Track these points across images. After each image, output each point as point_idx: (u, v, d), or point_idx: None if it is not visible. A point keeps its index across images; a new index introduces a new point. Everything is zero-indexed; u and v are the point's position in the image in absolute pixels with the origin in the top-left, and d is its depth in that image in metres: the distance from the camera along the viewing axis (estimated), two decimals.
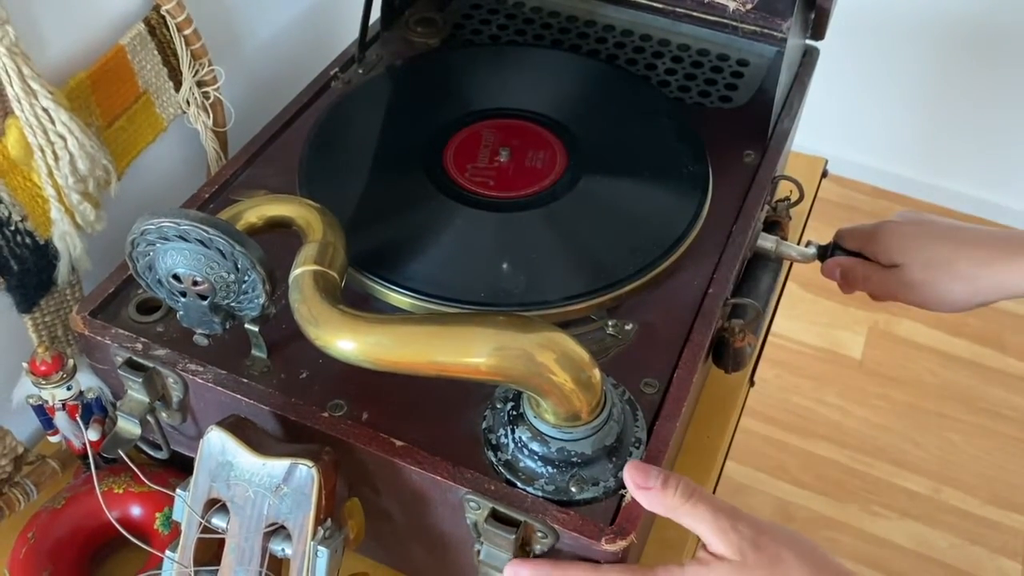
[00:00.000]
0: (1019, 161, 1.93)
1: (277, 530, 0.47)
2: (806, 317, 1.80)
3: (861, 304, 1.81)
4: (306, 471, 0.46)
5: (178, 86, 0.71)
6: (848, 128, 2.01)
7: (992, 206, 1.99)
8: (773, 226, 0.74)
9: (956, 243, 0.67)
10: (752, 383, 0.84)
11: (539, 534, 0.48)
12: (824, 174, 0.96)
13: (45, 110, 0.57)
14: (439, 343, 0.46)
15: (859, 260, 0.71)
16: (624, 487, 0.48)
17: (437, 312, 0.57)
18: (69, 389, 0.59)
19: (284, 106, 0.72)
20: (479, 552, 0.49)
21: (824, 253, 0.72)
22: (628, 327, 0.58)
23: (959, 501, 1.54)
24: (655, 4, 0.82)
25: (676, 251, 0.61)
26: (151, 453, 0.60)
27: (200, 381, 0.54)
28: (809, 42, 0.80)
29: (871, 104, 1.97)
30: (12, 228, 0.60)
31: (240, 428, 0.49)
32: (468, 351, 0.46)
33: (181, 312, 0.51)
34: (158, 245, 0.48)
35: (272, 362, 0.55)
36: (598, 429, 0.49)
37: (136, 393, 0.55)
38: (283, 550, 0.47)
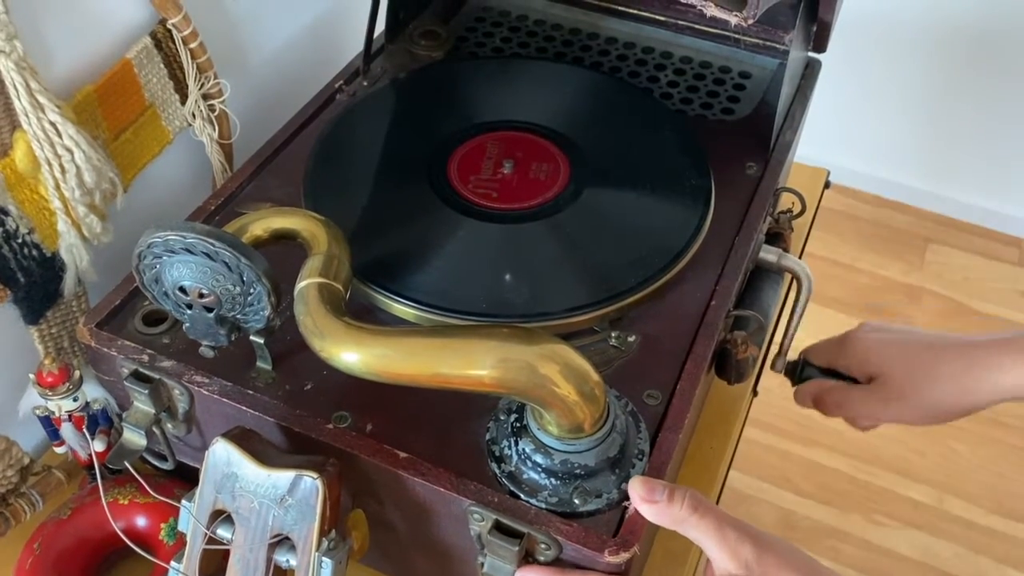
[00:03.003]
0: (1021, 170, 1.93)
1: (282, 541, 0.47)
2: (809, 327, 1.78)
3: (865, 314, 1.81)
4: (311, 482, 0.46)
5: (184, 99, 0.71)
6: (850, 138, 2.01)
7: (995, 215, 2.00)
8: (775, 238, 0.74)
9: (939, 347, 0.63)
10: (755, 393, 0.84)
11: (542, 546, 0.48)
12: (827, 185, 0.96)
13: (52, 124, 0.57)
14: (443, 355, 0.46)
15: (833, 383, 0.69)
16: (628, 499, 0.48)
17: (441, 324, 0.57)
18: (75, 400, 0.59)
19: (289, 118, 0.73)
20: (482, 564, 0.50)
21: (794, 371, 0.72)
22: (631, 339, 0.58)
23: (963, 510, 1.53)
24: (657, 17, 0.83)
25: (679, 263, 0.61)
26: (156, 464, 0.60)
27: (206, 393, 0.54)
28: (811, 54, 0.80)
29: (873, 114, 1.98)
30: (19, 241, 0.60)
31: (245, 439, 0.49)
32: (472, 363, 0.46)
33: (187, 324, 0.52)
34: (164, 258, 0.49)
35: (277, 374, 0.55)
36: (601, 441, 0.49)
37: (142, 404, 0.56)
38: (288, 561, 0.47)
